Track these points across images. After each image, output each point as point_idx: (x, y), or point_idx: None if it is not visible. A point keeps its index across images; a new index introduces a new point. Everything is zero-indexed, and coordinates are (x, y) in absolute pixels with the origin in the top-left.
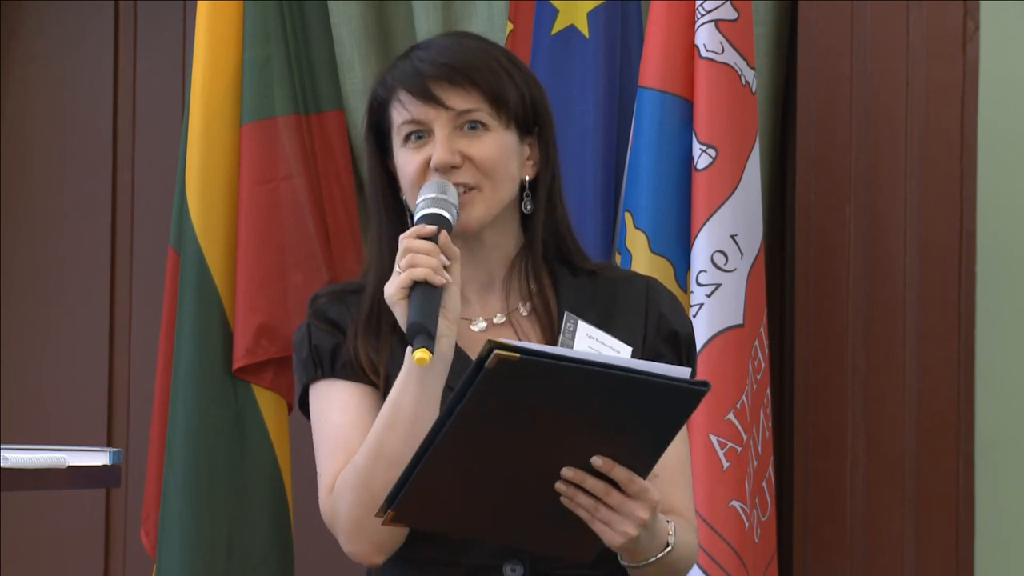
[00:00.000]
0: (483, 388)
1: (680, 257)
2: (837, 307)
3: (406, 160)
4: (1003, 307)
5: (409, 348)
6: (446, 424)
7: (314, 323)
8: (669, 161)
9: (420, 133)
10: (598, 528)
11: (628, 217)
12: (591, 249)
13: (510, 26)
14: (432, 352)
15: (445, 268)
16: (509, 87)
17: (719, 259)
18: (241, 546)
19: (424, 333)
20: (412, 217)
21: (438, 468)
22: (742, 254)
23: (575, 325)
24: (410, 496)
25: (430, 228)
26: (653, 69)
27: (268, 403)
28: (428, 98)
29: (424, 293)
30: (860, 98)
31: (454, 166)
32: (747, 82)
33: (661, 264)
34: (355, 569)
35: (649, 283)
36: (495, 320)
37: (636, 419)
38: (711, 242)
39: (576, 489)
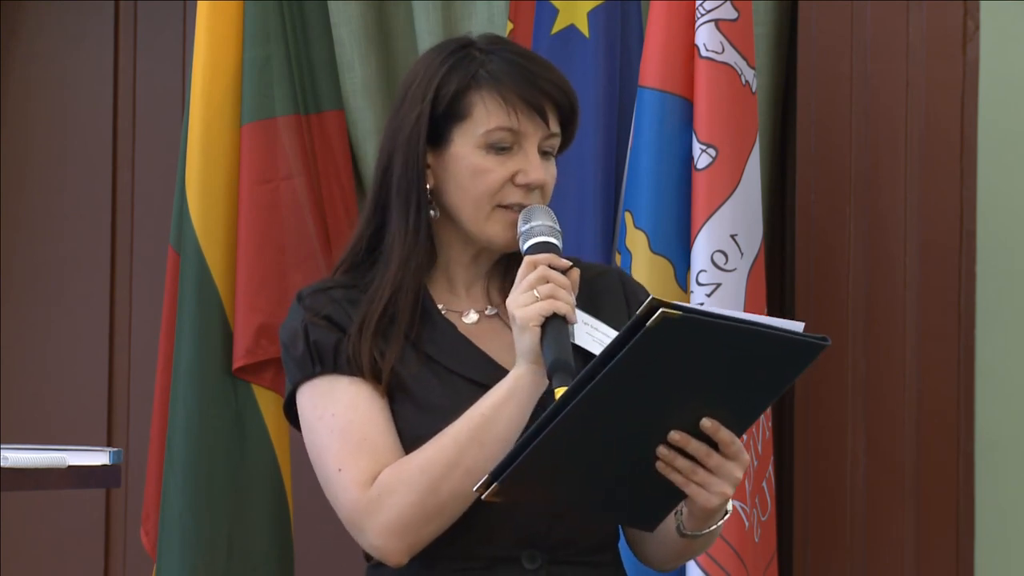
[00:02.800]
0: (637, 349)
1: (680, 257)
2: (837, 307)
3: (487, 167)
4: (1003, 307)
5: (514, 373)
6: (582, 392)
7: (309, 319)
8: (669, 161)
9: (508, 142)
10: (692, 490)
11: (628, 217)
12: (591, 249)
13: (510, 26)
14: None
15: None
16: (579, 117)
17: (719, 259)
18: (241, 546)
19: (567, 371)
20: (427, 208)
21: (559, 439)
22: (742, 254)
23: None
24: (521, 470)
25: (566, 263)
26: (653, 69)
27: (268, 403)
28: (539, 112)
29: (562, 328)
30: (860, 98)
31: (543, 186)
32: (747, 82)
33: (661, 264)
34: (355, 570)
35: (621, 274)
36: (487, 312)
37: (756, 376)
38: (711, 242)
39: (676, 453)
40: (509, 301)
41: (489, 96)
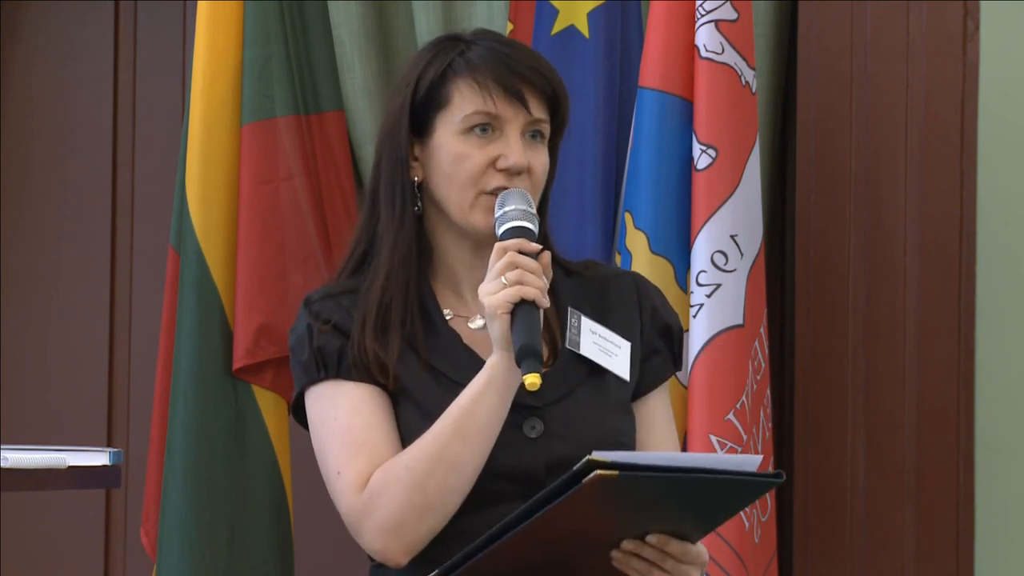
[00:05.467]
0: (573, 499)
1: (680, 257)
2: (837, 307)
3: (467, 152)
4: (1003, 307)
5: (491, 361)
6: (525, 522)
7: (314, 324)
8: (669, 161)
9: (489, 127)
10: None
11: (628, 217)
12: (591, 249)
13: (510, 26)
14: (542, 376)
15: None
16: (567, 105)
17: (719, 259)
18: (241, 546)
19: (535, 357)
20: (418, 199)
21: (503, 554)
22: (742, 254)
23: (579, 321)
24: (469, 572)
25: (535, 246)
26: (653, 69)
27: (268, 403)
28: (516, 97)
29: (531, 314)
30: (860, 98)
31: (524, 170)
32: (747, 82)
33: (661, 264)
34: (355, 569)
35: (637, 279)
36: None
37: (708, 505)
38: (711, 242)
39: (631, 556)
40: (480, 289)
41: (466, 82)
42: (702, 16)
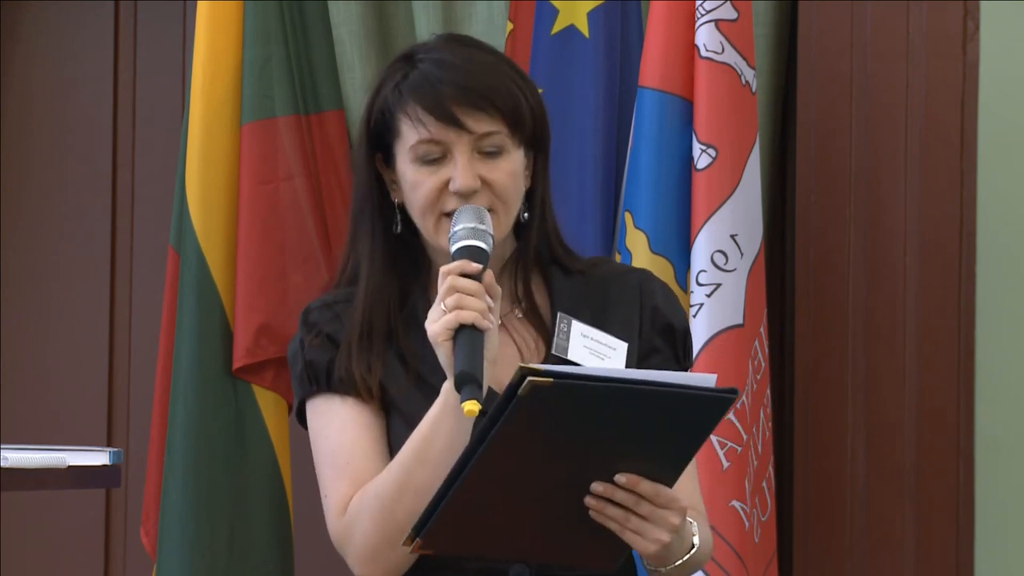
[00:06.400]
0: (515, 415)
1: (680, 257)
2: (837, 307)
3: (419, 180)
4: (1003, 307)
5: (445, 387)
6: (477, 452)
7: (306, 337)
8: (669, 161)
9: (435, 153)
10: (628, 537)
11: (628, 217)
12: (591, 249)
13: (510, 26)
14: (481, 403)
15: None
16: (524, 107)
17: (719, 259)
18: (241, 546)
19: (474, 383)
20: (398, 222)
21: (468, 495)
22: (742, 254)
23: (569, 325)
24: (439, 524)
25: (476, 266)
26: (653, 69)
27: (268, 403)
28: (450, 121)
29: (471, 338)
30: (860, 98)
31: (475, 191)
32: (747, 82)
33: (661, 264)
34: None
35: (643, 277)
36: None
37: (665, 430)
38: (711, 242)
39: (605, 502)
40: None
41: (405, 113)
42: (702, 16)
